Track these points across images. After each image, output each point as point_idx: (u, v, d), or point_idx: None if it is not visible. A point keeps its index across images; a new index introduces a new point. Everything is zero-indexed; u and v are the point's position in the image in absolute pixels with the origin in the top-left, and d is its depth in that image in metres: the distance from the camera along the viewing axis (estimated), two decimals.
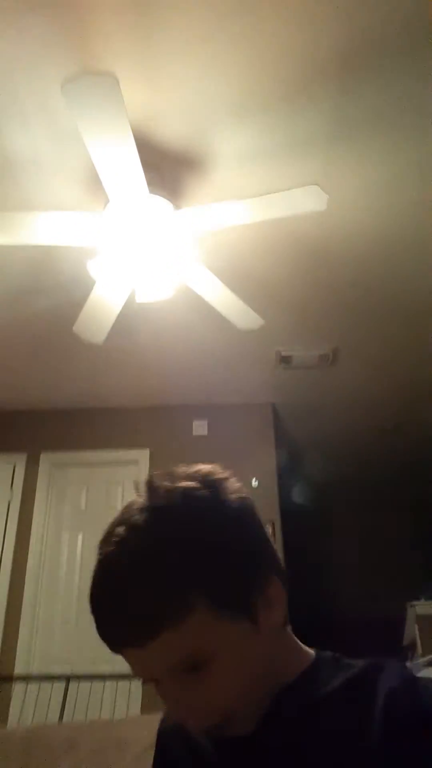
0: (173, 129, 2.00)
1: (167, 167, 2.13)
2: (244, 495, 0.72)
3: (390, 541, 6.09)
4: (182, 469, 0.72)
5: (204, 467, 0.72)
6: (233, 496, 0.70)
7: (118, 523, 0.67)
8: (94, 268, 2.13)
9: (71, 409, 4.29)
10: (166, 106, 1.91)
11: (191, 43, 1.71)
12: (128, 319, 2.82)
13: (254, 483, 3.94)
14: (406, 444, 5.03)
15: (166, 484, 0.68)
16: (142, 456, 4.12)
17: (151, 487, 0.68)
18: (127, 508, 0.68)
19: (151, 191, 1.91)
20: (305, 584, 4.60)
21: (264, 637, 0.66)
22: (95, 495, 4.10)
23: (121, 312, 2.45)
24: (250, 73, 1.80)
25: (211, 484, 0.69)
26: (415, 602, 4.06)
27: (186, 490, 0.67)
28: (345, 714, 0.64)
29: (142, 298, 2.27)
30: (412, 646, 3.94)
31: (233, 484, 0.72)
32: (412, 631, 4.00)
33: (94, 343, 2.66)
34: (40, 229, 1.99)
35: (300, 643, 0.76)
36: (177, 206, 2.08)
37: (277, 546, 3.78)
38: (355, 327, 3.29)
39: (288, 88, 1.85)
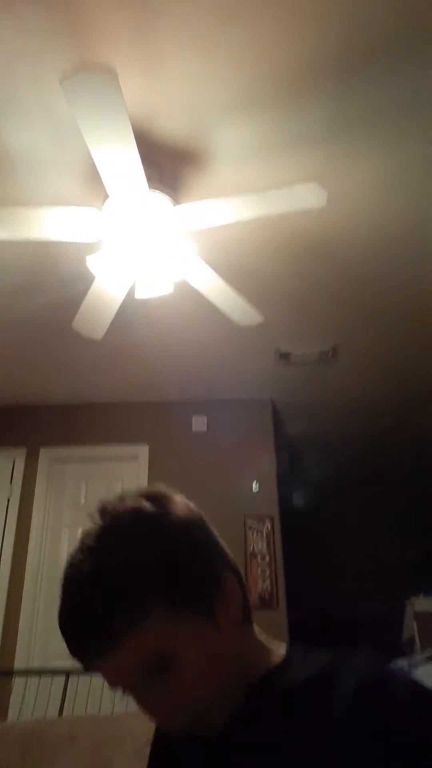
0: (173, 124, 2.00)
1: (167, 163, 2.13)
2: (191, 507, 0.76)
3: (389, 538, 6.11)
4: (131, 491, 0.76)
5: (151, 488, 0.76)
6: (179, 508, 0.73)
7: (76, 549, 0.71)
8: (93, 264, 2.13)
9: (70, 404, 4.30)
10: (165, 101, 1.91)
11: (191, 38, 1.70)
12: (127, 314, 2.82)
13: (255, 487, 3.95)
14: (405, 440, 5.04)
15: (116, 506, 0.72)
16: (142, 451, 4.13)
17: (102, 511, 0.72)
18: (84, 535, 0.71)
19: (151, 187, 1.90)
20: (304, 581, 4.61)
21: (225, 633, 0.70)
22: (95, 490, 4.11)
23: (120, 308, 2.45)
24: (250, 69, 1.79)
25: (156, 500, 0.73)
26: (413, 599, 4.07)
27: (134, 508, 0.71)
28: (311, 707, 0.65)
29: (141, 294, 2.27)
30: (411, 642, 3.96)
31: (180, 499, 0.75)
32: (410, 627, 4.02)
33: (94, 338, 2.66)
34: (39, 225, 1.99)
35: (269, 640, 0.78)
36: (176, 202, 2.08)
37: (276, 542, 3.79)
38: (354, 323, 3.29)
39: (288, 84, 1.84)
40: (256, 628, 0.78)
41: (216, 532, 0.78)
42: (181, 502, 0.75)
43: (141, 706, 0.70)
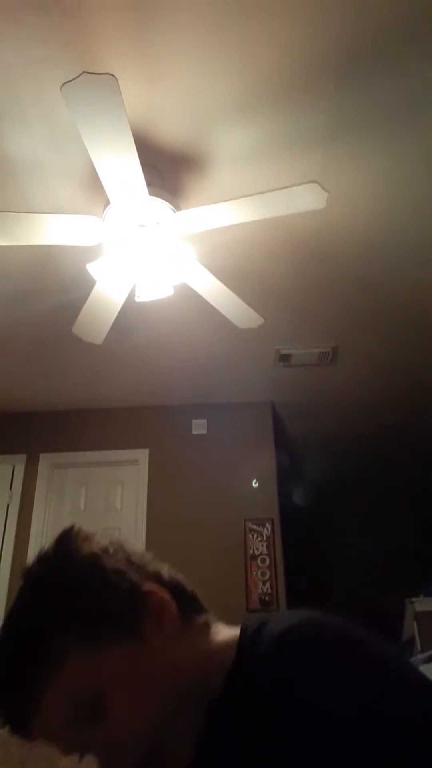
0: (173, 129, 2.00)
1: (167, 167, 2.13)
2: (98, 538, 0.72)
3: (389, 538, 6.10)
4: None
5: (61, 530, 0.73)
6: (82, 543, 0.70)
7: None
8: (94, 270, 2.13)
9: (70, 409, 4.29)
10: (165, 106, 1.91)
11: (190, 43, 1.71)
12: (127, 318, 2.82)
13: (255, 484, 3.95)
14: (405, 441, 5.04)
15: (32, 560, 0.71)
16: (142, 455, 4.12)
17: (22, 570, 0.72)
18: None
19: (151, 191, 1.91)
20: (304, 581, 4.60)
21: (163, 650, 0.64)
22: (94, 495, 4.10)
23: (120, 312, 2.45)
24: (249, 72, 1.80)
25: (59, 541, 0.71)
26: (414, 599, 4.07)
27: (37, 556, 0.70)
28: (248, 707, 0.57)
29: (141, 298, 2.27)
30: (411, 642, 3.95)
31: (88, 534, 0.72)
32: (410, 627, 4.01)
33: (94, 343, 2.66)
34: (40, 231, 1.99)
35: (216, 637, 0.71)
36: (176, 206, 2.08)
37: (276, 545, 3.79)
38: (354, 325, 3.29)
39: (287, 86, 1.85)
40: (212, 618, 0.74)
41: (131, 548, 0.73)
42: (88, 536, 0.71)
43: (95, 761, 0.63)
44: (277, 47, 1.73)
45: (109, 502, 4.07)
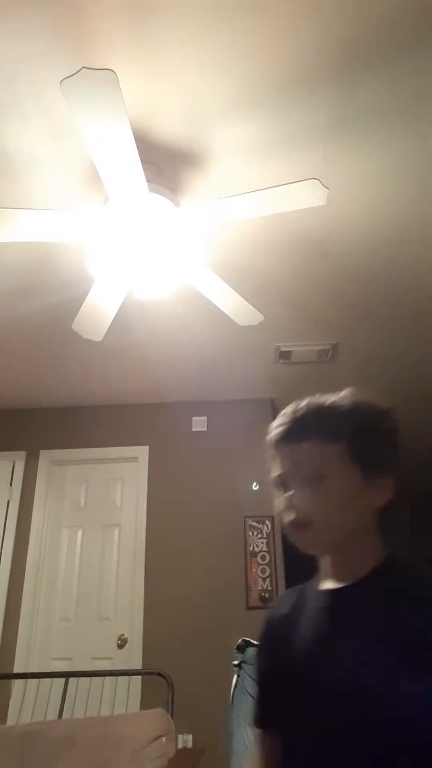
0: (172, 125, 1.99)
1: (166, 163, 2.12)
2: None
3: (388, 535, 6.10)
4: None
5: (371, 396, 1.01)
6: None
7: None
8: (93, 266, 2.12)
9: (70, 406, 4.30)
10: (165, 101, 1.90)
11: (190, 37, 1.70)
12: (127, 315, 2.81)
13: (255, 486, 3.95)
14: (405, 439, 5.03)
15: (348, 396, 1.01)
16: (142, 452, 4.12)
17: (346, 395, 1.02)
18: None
19: (151, 187, 1.90)
20: (304, 578, 4.61)
21: (366, 501, 0.88)
22: (94, 492, 4.11)
23: (120, 309, 2.44)
24: (250, 68, 1.79)
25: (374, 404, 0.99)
26: None
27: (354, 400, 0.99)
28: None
29: (141, 295, 2.26)
30: None
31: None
32: None
33: (94, 340, 2.66)
34: (39, 227, 1.99)
35: (380, 544, 0.91)
36: (176, 202, 2.07)
37: (276, 542, 3.79)
38: (354, 322, 3.28)
39: (287, 82, 1.84)
40: (382, 542, 0.92)
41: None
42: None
43: (291, 501, 0.89)
44: (277, 43, 1.72)
45: (109, 499, 4.07)
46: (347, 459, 0.87)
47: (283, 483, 0.91)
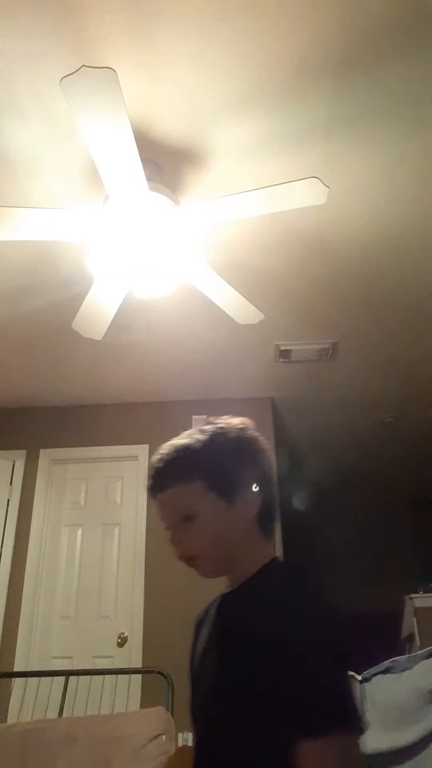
0: (172, 123, 1.99)
1: (166, 162, 2.12)
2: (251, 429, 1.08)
3: (389, 534, 6.11)
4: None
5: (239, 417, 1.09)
6: (239, 426, 1.07)
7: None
8: (93, 264, 2.12)
9: (70, 405, 4.29)
10: (165, 100, 1.90)
11: (190, 36, 1.70)
12: (127, 314, 2.81)
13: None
14: (404, 438, 5.04)
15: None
16: (142, 451, 4.11)
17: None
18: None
19: (151, 186, 1.90)
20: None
21: (236, 521, 0.96)
22: (94, 490, 4.11)
23: (120, 307, 2.44)
24: (250, 66, 1.79)
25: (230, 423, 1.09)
26: (413, 595, 4.08)
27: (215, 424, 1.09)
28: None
29: (141, 294, 2.26)
30: (411, 638, 3.96)
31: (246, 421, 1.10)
32: (410, 623, 4.02)
33: (94, 339, 2.66)
34: (39, 225, 1.98)
35: (266, 546, 1.00)
36: (176, 201, 2.07)
37: (276, 539, 3.79)
38: (354, 321, 3.28)
39: (287, 81, 1.84)
40: (269, 542, 1.01)
41: (269, 458, 1.05)
42: (247, 423, 1.08)
43: (174, 540, 0.98)
44: (277, 41, 1.72)
45: (109, 498, 4.07)
46: (207, 494, 0.96)
47: (166, 524, 1.00)
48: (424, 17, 1.65)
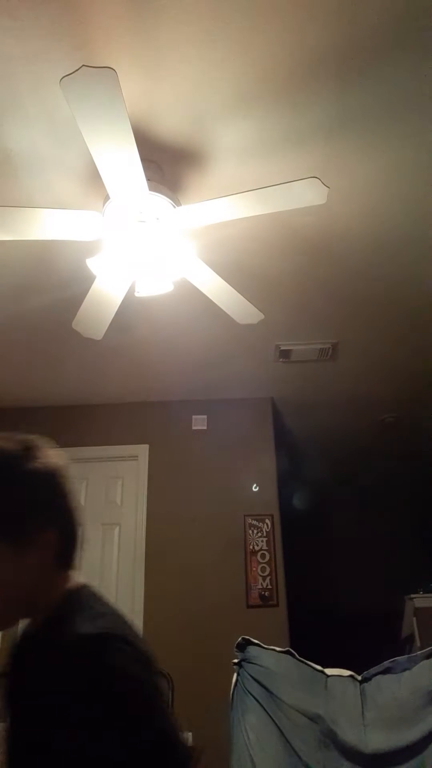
0: (173, 123, 1.99)
1: (167, 162, 2.12)
2: (54, 461, 0.97)
3: (389, 535, 6.11)
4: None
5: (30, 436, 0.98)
6: (42, 457, 0.96)
7: None
8: (93, 265, 2.12)
9: (70, 405, 4.30)
10: (165, 100, 1.90)
11: (190, 36, 1.70)
12: (127, 314, 2.81)
13: (255, 488, 3.96)
14: (405, 438, 5.04)
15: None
16: (142, 451, 4.12)
17: None
18: None
19: (151, 186, 1.90)
20: (304, 579, 4.61)
21: (32, 559, 0.89)
22: (95, 490, 4.11)
23: (120, 307, 2.44)
24: (250, 67, 1.79)
25: (25, 446, 0.97)
26: (413, 595, 4.08)
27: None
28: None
29: (141, 293, 2.26)
30: (411, 638, 3.96)
31: (50, 452, 0.98)
32: (410, 623, 4.02)
33: (94, 338, 2.66)
34: (40, 225, 1.99)
35: (69, 585, 0.95)
36: (176, 201, 2.07)
37: (276, 540, 3.79)
38: (354, 321, 3.28)
39: (287, 81, 1.84)
40: (76, 577, 0.95)
41: (69, 488, 0.97)
42: (51, 454, 0.96)
43: None
44: (277, 41, 1.72)
45: (109, 498, 4.07)
46: None
47: None
48: (424, 18, 1.65)
